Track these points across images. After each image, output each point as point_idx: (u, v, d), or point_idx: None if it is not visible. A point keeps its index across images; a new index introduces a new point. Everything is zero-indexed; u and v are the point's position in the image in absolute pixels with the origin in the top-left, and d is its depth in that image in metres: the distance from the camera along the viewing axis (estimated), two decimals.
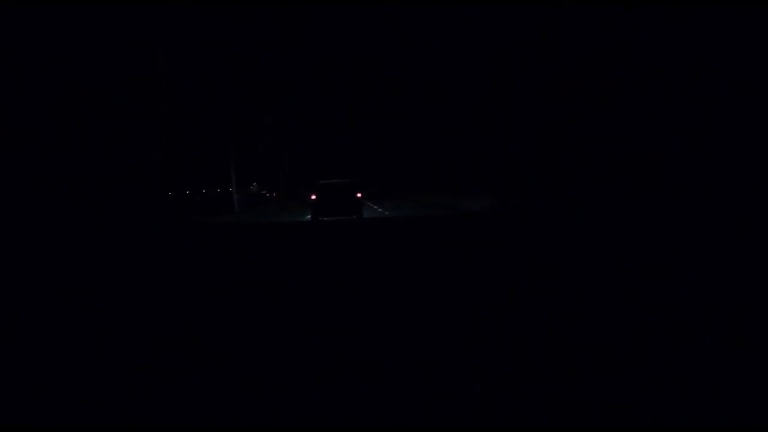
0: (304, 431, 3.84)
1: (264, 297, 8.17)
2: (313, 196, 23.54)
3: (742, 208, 18.27)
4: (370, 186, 66.90)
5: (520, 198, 30.83)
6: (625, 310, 6.56)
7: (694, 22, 21.14)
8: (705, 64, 21.23)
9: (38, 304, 8.20)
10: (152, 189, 27.20)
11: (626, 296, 7.27)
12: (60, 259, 13.72)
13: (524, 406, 4.05)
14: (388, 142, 69.06)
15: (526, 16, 29.30)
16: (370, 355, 5.29)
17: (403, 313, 6.79)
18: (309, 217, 25.36)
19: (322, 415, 4.02)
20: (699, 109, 21.55)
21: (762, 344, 5.21)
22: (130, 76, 26.72)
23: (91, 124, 25.86)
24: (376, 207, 39.50)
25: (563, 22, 27.06)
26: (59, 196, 24.50)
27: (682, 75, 22.11)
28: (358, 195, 23.87)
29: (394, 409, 4.08)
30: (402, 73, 49.59)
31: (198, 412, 4.15)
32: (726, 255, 10.27)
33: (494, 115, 36.05)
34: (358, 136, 71.18)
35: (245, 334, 6.19)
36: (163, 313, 7.36)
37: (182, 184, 44.76)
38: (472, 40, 35.81)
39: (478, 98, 38.58)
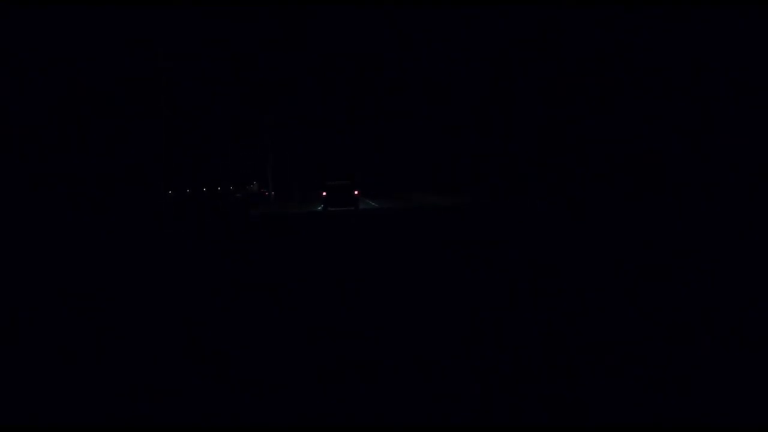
0: (304, 431, 3.84)
1: (264, 294, 8.18)
2: (324, 193, 32.79)
3: (742, 207, 18.27)
4: (370, 186, 67.40)
5: (519, 197, 30.85)
6: (625, 310, 6.56)
7: (694, 22, 21.14)
8: (705, 64, 21.23)
9: (38, 304, 8.21)
10: (152, 188, 27.19)
11: (626, 296, 7.28)
12: (59, 258, 13.72)
13: (524, 406, 4.05)
14: (388, 142, 69.17)
15: (526, 17, 29.29)
16: (369, 350, 5.30)
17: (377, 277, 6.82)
18: (320, 207, 34.79)
19: (322, 415, 4.02)
20: (698, 109, 21.54)
21: (762, 344, 5.21)
22: (130, 76, 26.72)
23: (91, 124, 25.86)
24: (374, 204, 42.31)
25: (563, 22, 27.05)
26: (59, 196, 24.50)
27: (682, 75, 22.10)
28: (356, 192, 32.71)
29: (394, 409, 4.08)
30: (402, 73, 49.62)
31: (198, 411, 4.15)
32: (726, 255, 10.27)
33: (494, 115, 36.07)
34: (358, 136, 71.27)
35: (245, 331, 6.19)
36: (163, 312, 7.36)
37: (182, 183, 44.84)
38: (472, 41, 35.82)
39: (478, 98, 38.61)
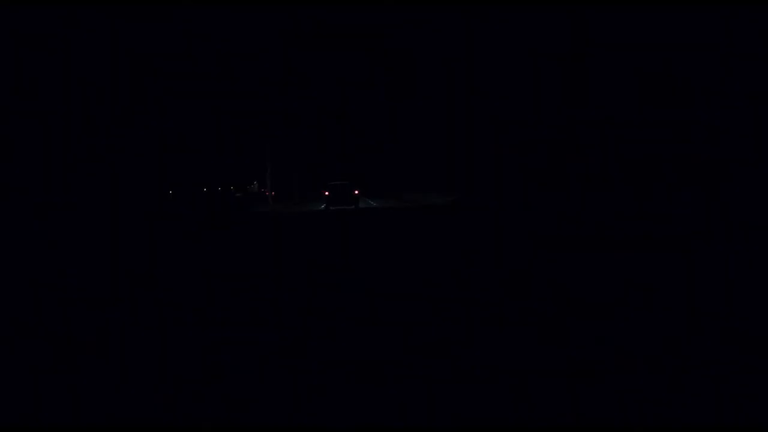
0: (305, 431, 3.85)
1: (264, 287, 8.20)
2: (326, 193, 35.91)
3: (743, 207, 18.27)
4: (370, 186, 67.84)
5: (518, 198, 30.90)
6: (625, 310, 6.57)
7: (694, 21, 21.13)
8: (703, 65, 21.23)
9: (36, 304, 8.21)
10: (151, 188, 27.24)
11: (626, 296, 7.28)
12: (57, 258, 13.73)
13: (525, 406, 4.05)
14: (387, 143, 69.33)
15: (528, 19, 29.31)
16: (369, 350, 5.31)
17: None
18: (323, 206, 37.18)
19: (322, 416, 4.03)
20: (697, 110, 21.53)
21: (762, 344, 5.21)
22: (130, 76, 26.73)
23: (90, 124, 25.88)
24: (373, 203, 44.89)
25: (563, 21, 27.06)
26: (58, 195, 24.52)
27: (680, 76, 22.10)
28: (356, 192, 35.61)
29: (394, 410, 4.08)
30: (401, 73, 49.70)
31: (197, 411, 4.15)
32: (726, 254, 10.28)
33: (493, 116, 36.10)
34: (358, 136, 71.39)
35: (244, 329, 6.20)
36: (161, 312, 7.37)
37: (183, 183, 45.01)
38: (472, 41, 35.85)
39: (477, 99, 38.63)
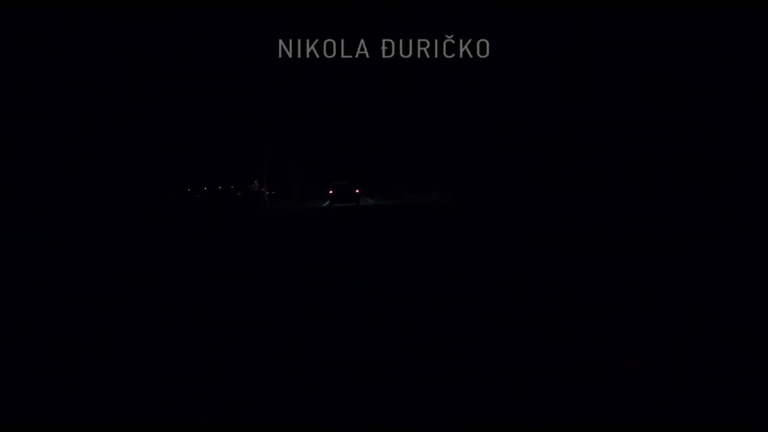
0: (305, 431, 3.84)
1: (264, 286, 8.19)
2: (330, 192, 40.44)
3: (743, 207, 18.27)
4: (369, 186, 68.03)
5: (518, 197, 30.89)
6: (625, 310, 6.57)
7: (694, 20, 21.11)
8: (703, 65, 21.21)
9: (36, 304, 8.20)
10: (151, 187, 27.23)
11: (626, 296, 7.28)
12: (57, 258, 13.72)
13: (525, 406, 4.05)
14: (388, 142, 69.31)
15: (527, 19, 29.29)
16: (369, 350, 5.31)
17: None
18: (327, 203, 41.07)
19: (322, 416, 4.02)
20: (697, 110, 21.52)
21: (762, 344, 5.21)
22: (130, 76, 26.72)
23: (90, 124, 25.86)
24: (371, 201, 46.62)
25: (563, 21, 27.05)
26: (58, 195, 24.51)
27: (680, 76, 22.09)
28: (357, 191, 39.88)
29: (394, 410, 4.08)
30: (401, 71, 49.67)
31: (197, 411, 4.15)
32: (726, 254, 10.27)
33: (493, 116, 36.09)
34: (359, 135, 71.36)
35: (244, 329, 6.20)
36: (161, 312, 7.36)
37: (184, 182, 45.04)
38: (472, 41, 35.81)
39: (477, 98, 38.61)
